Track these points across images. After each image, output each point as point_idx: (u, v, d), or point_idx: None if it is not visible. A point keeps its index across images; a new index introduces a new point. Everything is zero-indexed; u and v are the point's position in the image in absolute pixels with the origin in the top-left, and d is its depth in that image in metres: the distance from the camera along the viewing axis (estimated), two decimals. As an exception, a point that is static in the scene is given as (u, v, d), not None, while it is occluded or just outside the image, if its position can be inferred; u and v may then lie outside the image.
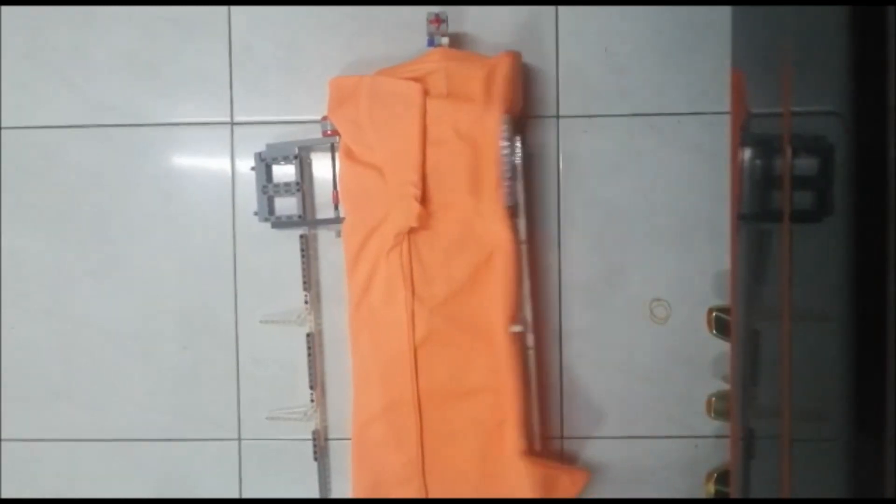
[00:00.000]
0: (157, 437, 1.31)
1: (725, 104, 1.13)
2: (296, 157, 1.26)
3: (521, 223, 1.22)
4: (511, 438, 1.21)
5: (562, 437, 1.27)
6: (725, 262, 1.19)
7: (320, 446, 1.29)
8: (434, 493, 1.24)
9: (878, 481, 0.66)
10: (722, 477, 1.19)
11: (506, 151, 1.18)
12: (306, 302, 1.27)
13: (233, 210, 1.29)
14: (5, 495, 1.33)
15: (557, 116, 1.27)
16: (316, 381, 1.28)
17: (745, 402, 1.00)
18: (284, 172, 1.28)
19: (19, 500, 1.33)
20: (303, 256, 1.27)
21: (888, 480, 0.65)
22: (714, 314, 1.19)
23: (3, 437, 1.33)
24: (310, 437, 1.29)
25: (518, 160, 1.20)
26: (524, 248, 1.22)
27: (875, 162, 0.68)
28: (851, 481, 0.70)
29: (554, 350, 1.27)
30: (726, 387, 1.22)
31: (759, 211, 0.98)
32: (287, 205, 1.28)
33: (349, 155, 1.24)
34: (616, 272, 1.27)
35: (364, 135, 1.22)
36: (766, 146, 0.97)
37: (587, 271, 1.27)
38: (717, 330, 1.19)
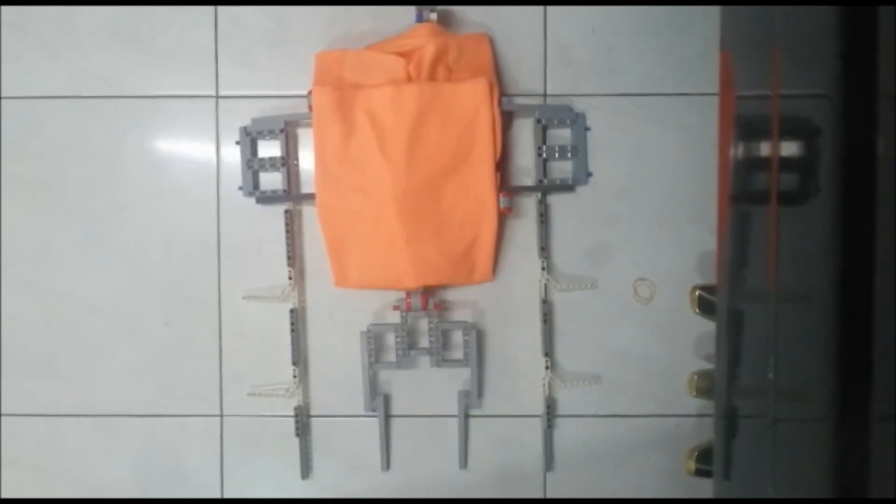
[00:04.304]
0: (138, 412, 1.31)
1: (713, 85, 1.13)
2: (281, 132, 1.25)
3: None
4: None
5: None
6: (710, 242, 1.20)
7: (302, 423, 1.29)
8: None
9: (861, 461, 0.67)
10: (703, 455, 1.20)
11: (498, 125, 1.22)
12: (290, 277, 1.27)
13: (217, 184, 1.28)
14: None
15: (545, 95, 1.26)
16: (299, 358, 1.28)
17: (728, 382, 1.01)
18: (270, 147, 1.27)
19: (19, 501, 1.33)
20: (287, 232, 1.26)
21: (872, 460, 0.66)
22: (698, 293, 1.20)
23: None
24: (292, 413, 1.29)
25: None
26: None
27: (863, 144, 0.68)
28: (835, 461, 0.71)
29: (536, 329, 1.28)
30: (709, 366, 1.23)
31: (745, 192, 0.99)
32: (272, 180, 1.27)
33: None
34: (601, 251, 1.28)
35: (348, 109, 1.22)
36: (753, 127, 0.97)
37: (571, 250, 1.28)
38: (700, 309, 1.20)
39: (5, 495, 1.32)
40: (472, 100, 1.21)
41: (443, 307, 1.27)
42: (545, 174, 1.26)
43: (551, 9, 1.26)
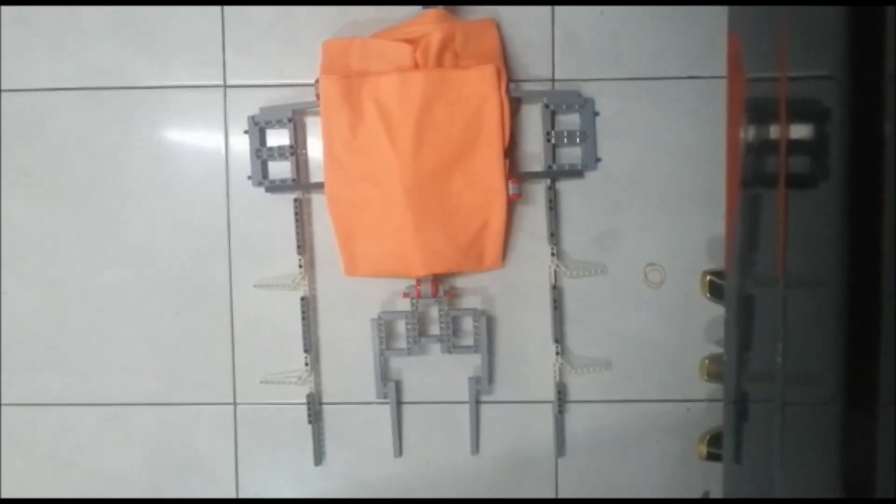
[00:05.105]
0: (151, 401, 1.32)
1: (721, 68, 1.13)
2: (290, 121, 1.25)
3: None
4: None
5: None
6: (721, 227, 1.19)
7: (314, 410, 1.30)
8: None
9: (867, 444, 0.67)
10: (714, 439, 1.20)
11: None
12: (300, 266, 1.27)
13: (226, 174, 1.29)
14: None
15: (553, 80, 1.26)
16: (310, 345, 1.28)
17: (738, 366, 1.01)
18: (278, 136, 1.27)
19: (19, 501, 1.34)
20: (297, 220, 1.27)
21: (878, 443, 0.66)
22: (708, 278, 1.20)
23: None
24: (304, 400, 1.29)
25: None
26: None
27: (871, 126, 0.68)
28: (841, 444, 0.71)
29: (546, 315, 1.28)
30: (720, 350, 1.22)
31: (754, 176, 0.98)
32: (281, 169, 1.27)
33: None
34: (610, 237, 1.27)
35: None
36: (761, 110, 0.97)
37: (581, 236, 1.27)
38: (711, 293, 1.20)
39: (21, 485, 1.34)
40: (479, 86, 1.20)
41: (453, 294, 1.28)
42: (554, 160, 1.26)
43: (559, -7, 1.25)
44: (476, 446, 1.30)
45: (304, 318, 1.28)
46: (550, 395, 1.29)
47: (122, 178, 1.29)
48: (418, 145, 1.20)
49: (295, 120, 1.25)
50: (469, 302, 1.29)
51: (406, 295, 1.26)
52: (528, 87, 1.25)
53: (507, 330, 1.29)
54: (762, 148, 0.94)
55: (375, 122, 1.21)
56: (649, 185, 1.26)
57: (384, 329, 1.27)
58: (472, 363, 1.29)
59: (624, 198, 1.27)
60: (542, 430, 1.30)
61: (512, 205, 1.25)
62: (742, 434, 1.01)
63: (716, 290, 1.20)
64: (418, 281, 1.24)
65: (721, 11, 1.08)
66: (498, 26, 1.25)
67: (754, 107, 0.99)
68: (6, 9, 1.27)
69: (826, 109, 0.76)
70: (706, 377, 1.23)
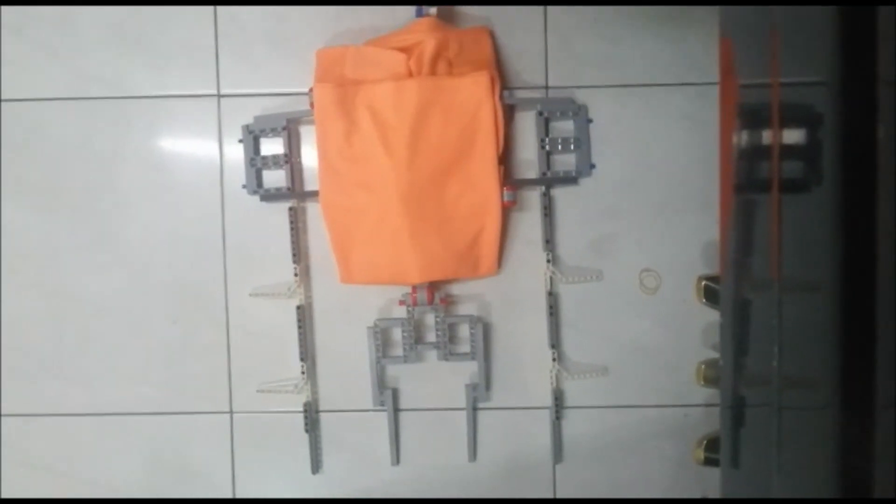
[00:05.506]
0: (148, 410, 1.31)
1: (714, 74, 1.13)
2: (284, 130, 1.25)
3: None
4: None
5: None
6: (715, 232, 1.19)
7: (311, 418, 1.30)
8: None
9: (865, 447, 0.67)
10: (711, 444, 1.20)
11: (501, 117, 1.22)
12: (296, 274, 1.27)
13: (221, 183, 1.29)
14: (-3, 470, 1.33)
15: (546, 87, 1.26)
16: (306, 354, 1.28)
17: (734, 371, 1.01)
18: (272, 145, 1.27)
19: (19, 501, 1.34)
20: (292, 229, 1.27)
21: (875, 446, 0.66)
22: (703, 283, 1.20)
23: (-2, 412, 1.33)
24: (301, 409, 1.29)
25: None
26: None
27: (863, 131, 0.68)
28: (838, 448, 0.71)
29: (542, 321, 1.28)
30: (716, 355, 1.23)
31: (747, 181, 0.98)
32: (275, 177, 1.27)
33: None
34: (606, 243, 1.27)
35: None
36: (754, 115, 0.97)
37: (576, 242, 1.28)
38: (706, 298, 1.20)
39: (17, 496, 1.33)
40: (473, 94, 1.21)
41: (449, 301, 1.28)
42: (548, 167, 1.26)
43: (552, -1, 1.26)
44: (473, 453, 1.30)
45: (300, 327, 1.28)
46: (547, 401, 1.29)
47: (118, 188, 1.29)
48: (413, 153, 1.20)
49: (289, 128, 1.25)
50: (465, 309, 1.29)
51: (402, 302, 1.26)
52: (521, 94, 1.26)
53: (503, 336, 1.29)
54: (755, 153, 0.95)
55: (370, 130, 1.21)
56: (644, 190, 1.27)
57: (380, 337, 1.27)
58: (468, 370, 1.29)
59: (618, 204, 1.27)
60: (539, 436, 1.30)
61: (507, 211, 1.25)
62: (739, 438, 1.01)
63: (711, 295, 1.19)
64: (414, 288, 1.25)
65: (714, 18, 1.08)
66: (491, 34, 1.25)
67: (747, 112, 0.99)
68: (5, 20, 1.27)
69: (819, 114, 0.77)
70: (702, 382, 1.23)
